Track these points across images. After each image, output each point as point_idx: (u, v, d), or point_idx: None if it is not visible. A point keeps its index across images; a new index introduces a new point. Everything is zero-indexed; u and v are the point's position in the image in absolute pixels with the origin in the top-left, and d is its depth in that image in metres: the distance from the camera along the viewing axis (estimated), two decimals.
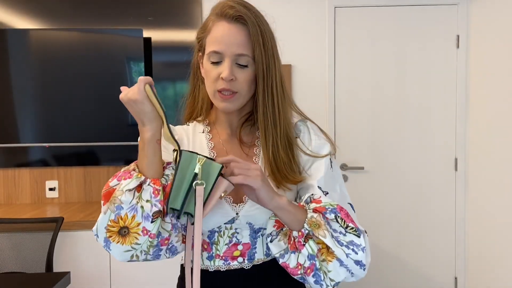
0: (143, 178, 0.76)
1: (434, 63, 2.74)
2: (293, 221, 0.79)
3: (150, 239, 0.76)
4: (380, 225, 2.79)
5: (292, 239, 0.81)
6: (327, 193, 0.84)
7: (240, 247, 0.87)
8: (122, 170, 0.79)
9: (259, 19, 0.83)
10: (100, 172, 2.72)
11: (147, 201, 0.74)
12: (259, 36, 0.82)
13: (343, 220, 0.78)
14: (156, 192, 0.75)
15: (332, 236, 0.78)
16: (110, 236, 0.76)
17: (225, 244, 0.87)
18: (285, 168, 0.85)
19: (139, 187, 0.75)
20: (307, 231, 0.79)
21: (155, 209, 0.74)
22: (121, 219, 0.74)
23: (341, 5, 2.73)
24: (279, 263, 0.83)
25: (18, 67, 2.57)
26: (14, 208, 2.53)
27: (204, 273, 0.87)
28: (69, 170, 2.71)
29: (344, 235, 0.78)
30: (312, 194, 0.83)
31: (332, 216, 0.78)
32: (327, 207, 0.79)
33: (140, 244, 0.76)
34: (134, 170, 0.78)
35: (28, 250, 2.09)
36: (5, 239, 2.10)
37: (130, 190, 0.74)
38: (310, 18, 2.77)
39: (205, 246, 0.89)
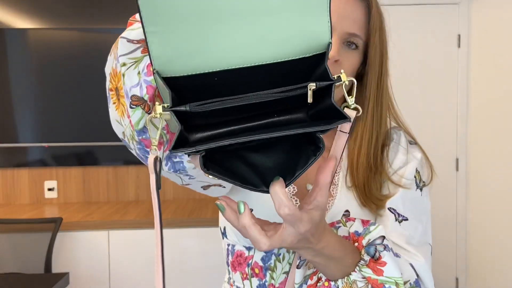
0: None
1: (435, 63, 2.73)
2: (324, 271, 0.56)
3: (131, 129, 0.52)
4: None
5: (316, 279, 0.60)
6: (405, 220, 0.64)
7: None
8: None
9: (378, 4, 0.68)
10: (99, 172, 2.71)
11: (138, 73, 0.49)
12: (380, 18, 0.67)
13: None
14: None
15: None
16: (111, 90, 0.54)
17: (284, 273, 0.67)
18: (373, 183, 0.67)
19: (145, 49, 0.49)
20: None
21: (136, 91, 0.48)
22: (116, 75, 0.52)
23: None
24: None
25: (17, 67, 2.55)
26: (12, 209, 2.51)
27: None
28: (68, 170, 2.70)
29: None
30: (380, 245, 0.58)
31: None
32: (386, 286, 0.55)
33: (125, 125, 0.53)
34: None
35: (27, 250, 2.08)
36: (3, 239, 2.09)
37: (130, 40, 0.50)
38: None
39: (257, 271, 0.69)
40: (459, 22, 2.70)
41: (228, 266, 0.75)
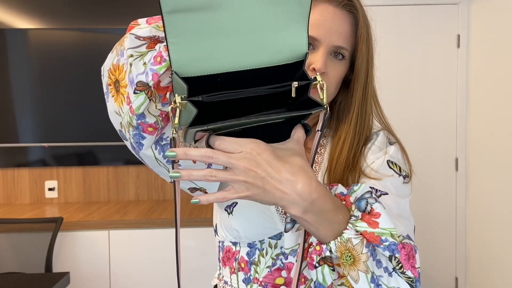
0: (164, 34, 0.53)
1: (435, 63, 2.73)
2: (316, 232, 0.55)
3: (130, 115, 0.57)
4: None
5: (307, 243, 0.59)
6: (384, 194, 0.63)
7: (284, 273, 0.70)
8: None
9: (366, 13, 0.73)
10: (100, 172, 2.71)
11: (144, 64, 0.54)
12: (367, 29, 0.71)
13: (400, 265, 0.54)
14: (159, 59, 0.53)
15: (372, 279, 0.54)
16: (110, 85, 0.60)
17: (267, 267, 0.71)
18: (348, 179, 0.70)
19: (152, 44, 0.55)
20: (328, 254, 0.55)
21: (142, 78, 0.53)
22: (118, 68, 0.57)
23: None
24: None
25: (17, 67, 2.56)
26: (13, 208, 2.52)
27: None
28: (68, 170, 2.70)
29: (390, 275, 0.54)
30: (371, 198, 0.57)
31: (386, 254, 0.54)
32: (383, 238, 0.53)
33: (124, 113, 0.58)
34: None
35: (27, 250, 2.09)
36: (4, 239, 2.10)
37: (138, 37, 0.55)
38: None
39: (242, 265, 0.73)
40: (458, 22, 2.70)
41: (219, 262, 0.79)
